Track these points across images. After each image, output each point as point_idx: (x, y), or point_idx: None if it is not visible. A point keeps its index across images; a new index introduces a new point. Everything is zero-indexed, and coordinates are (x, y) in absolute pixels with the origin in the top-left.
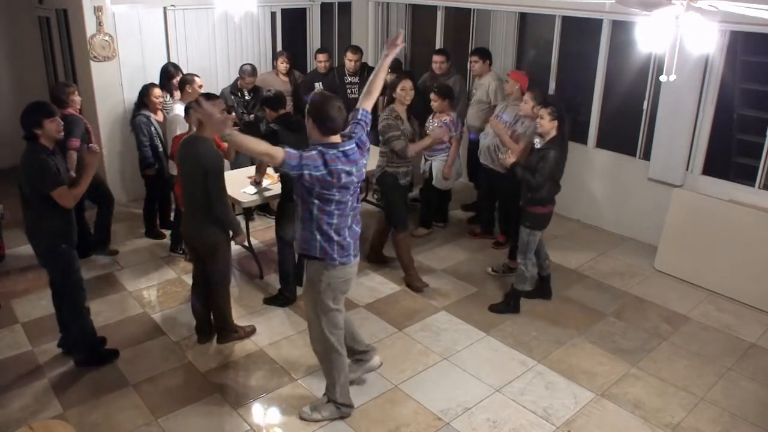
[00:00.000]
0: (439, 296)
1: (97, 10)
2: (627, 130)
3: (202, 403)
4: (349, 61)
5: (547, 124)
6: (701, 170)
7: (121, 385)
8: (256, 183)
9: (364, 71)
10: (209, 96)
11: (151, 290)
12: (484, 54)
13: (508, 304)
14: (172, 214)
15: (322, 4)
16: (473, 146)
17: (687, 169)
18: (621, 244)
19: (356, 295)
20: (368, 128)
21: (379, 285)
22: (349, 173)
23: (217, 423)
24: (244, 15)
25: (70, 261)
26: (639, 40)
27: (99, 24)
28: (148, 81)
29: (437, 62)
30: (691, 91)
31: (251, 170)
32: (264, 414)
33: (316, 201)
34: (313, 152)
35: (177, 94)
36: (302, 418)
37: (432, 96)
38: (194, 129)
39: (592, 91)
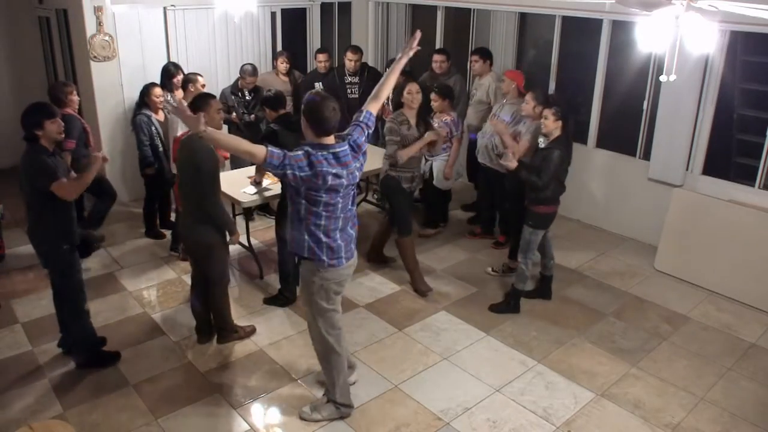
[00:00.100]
0: (439, 296)
1: (97, 10)
2: (627, 130)
3: (202, 403)
4: (349, 61)
5: (551, 124)
6: (701, 170)
7: (121, 385)
8: (256, 183)
9: (364, 71)
10: (206, 96)
11: (151, 290)
12: (485, 54)
13: (508, 304)
14: (173, 214)
15: (322, 4)
16: (473, 146)
17: (687, 169)
18: (621, 244)
19: (356, 295)
20: (370, 131)
21: (379, 285)
22: (337, 176)
23: (217, 423)
24: (244, 15)
25: (72, 262)
26: (639, 40)
27: (99, 24)
28: (148, 81)
29: (437, 61)
30: (691, 91)
31: (251, 170)
32: (264, 414)
33: (304, 201)
34: (299, 152)
35: (178, 93)
36: (302, 418)
37: (432, 96)
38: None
39: (592, 91)
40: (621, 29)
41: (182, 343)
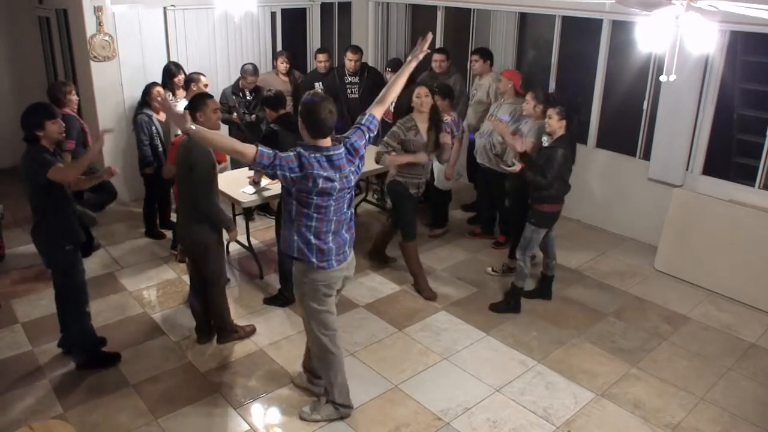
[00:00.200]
0: (439, 296)
1: (97, 10)
2: (627, 130)
3: (202, 403)
4: (349, 61)
5: (556, 123)
6: (701, 170)
7: (121, 385)
8: (254, 182)
9: (364, 71)
10: (203, 95)
11: (151, 290)
12: (485, 54)
13: (509, 303)
14: (173, 214)
15: (322, 4)
16: (473, 146)
17: (687, 169)
18: (621, 244)
19: (356, 295)
20: (371, 135)
21: (379, 285)
22: (328, 179)
23: (217, 423)
24: (244, 15)
25: (75, 262)
26: (639, 40)
27: (99, 24)
28: (148, 81)
29: (437, 61)
30: (691, 91)
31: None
32: (264, 414)
33: (295, 202)
34: (291, 153)
35: (179, 92)
36: (302, 418)
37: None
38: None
39: (592, 91)
40: (621, 29)
41: (182, 343)
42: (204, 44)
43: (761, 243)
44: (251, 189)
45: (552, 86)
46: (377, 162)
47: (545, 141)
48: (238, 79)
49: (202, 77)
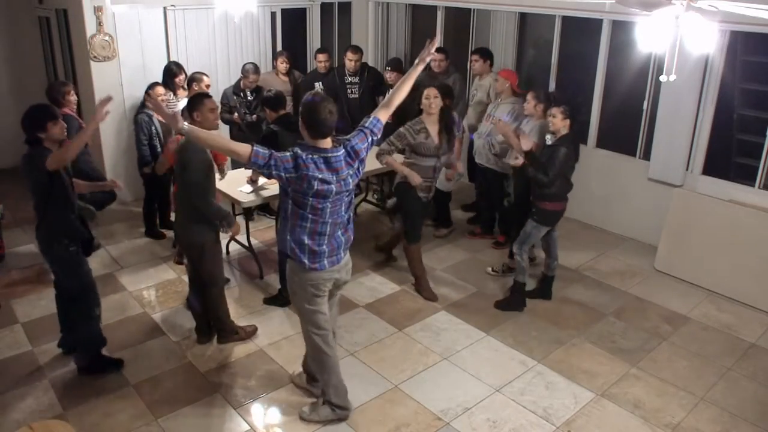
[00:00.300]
0: (439, 296)
1: (97, 10)
2: (627, 130)
3: (202, 403)
4: (349, 61)
5: (559, 123)
6: (701, 170)
7: (121, 385)
8: (252, 181)
9: (365, 71)
10: (201, 95)
11: (151, 290)
12: (485, 53)
13: (514, 299)
14: (173, 214)
15: (322, 4)
16: (473, 146)
17: (687, 169)
18: (621, 244)
19: (356, 295)
20: (374, 138)
21: (379, 285)
22: (324, 181)
23: (217, 423)
24: (244, 15)
25: (79, 262)
26: (639, 40)
27: (99, 24)
28: (148, 81)
29: (436, 60)
30: (691, 91)
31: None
32: (264, 414)
33: (291, 202)
34: (288, 153)
35: (181, 92)
36: (302, 418)
37: None
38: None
39: (592, 91)
40: (621, 29)
41: (182, 343)
42: (204, 44)
43: (761, 243)
44: (249, 188)
45: (552, 86)
46: (378, 159)
47: (548, 139)
48: (239, 79)
49: (204, 77)
